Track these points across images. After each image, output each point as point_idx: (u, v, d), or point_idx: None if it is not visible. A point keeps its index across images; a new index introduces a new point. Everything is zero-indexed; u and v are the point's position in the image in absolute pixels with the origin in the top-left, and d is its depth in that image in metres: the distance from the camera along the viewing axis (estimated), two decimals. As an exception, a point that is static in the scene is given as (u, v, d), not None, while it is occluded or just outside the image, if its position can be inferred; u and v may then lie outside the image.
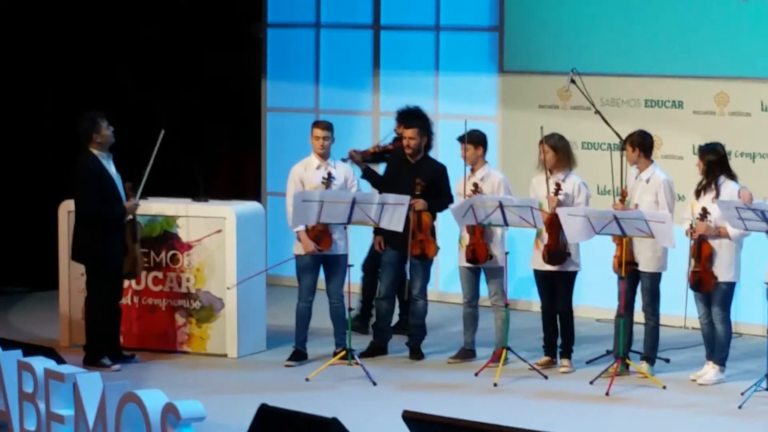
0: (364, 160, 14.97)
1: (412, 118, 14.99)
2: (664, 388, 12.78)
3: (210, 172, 14.82)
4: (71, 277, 14.44)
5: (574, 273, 13.55)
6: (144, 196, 13.89)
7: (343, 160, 14.74)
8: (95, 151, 13.48)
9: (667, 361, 13.61)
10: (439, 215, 14.20)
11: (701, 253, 12.69)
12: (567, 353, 13.64)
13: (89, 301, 13.69)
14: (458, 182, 13.97)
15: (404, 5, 17.49)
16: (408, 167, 14.12)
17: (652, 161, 13.35)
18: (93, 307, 13.62)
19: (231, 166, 15.47)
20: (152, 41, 18.43)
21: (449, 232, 14.64)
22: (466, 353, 13.94)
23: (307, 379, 13.14)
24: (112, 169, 13.65)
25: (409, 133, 14.15)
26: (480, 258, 13.62)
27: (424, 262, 14.11)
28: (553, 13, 16.46)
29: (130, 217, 13.67)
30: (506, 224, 13.19)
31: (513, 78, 16.62)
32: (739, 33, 15.57)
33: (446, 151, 14.96)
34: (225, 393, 12.37)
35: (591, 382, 12.89)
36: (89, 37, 18.63)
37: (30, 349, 11.52)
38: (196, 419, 9.42)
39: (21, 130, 17.69)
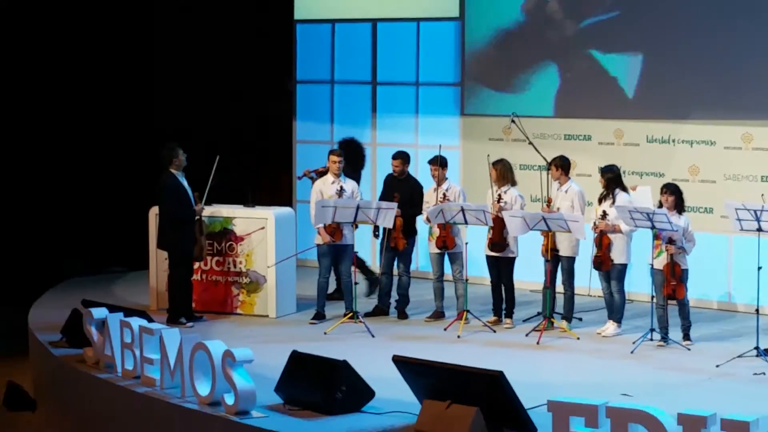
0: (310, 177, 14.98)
1: (349, 147, 15.21)
2: (578, 339, 13.07)
3: (256, 186, 14.90)
4: (158, 260, 14.52)
5: (513, 258, 13.71)
6: (208, 202, 14.00)
7: (299, 178, 14.94)
8: (174, 171, 13.64)
9: (580, 320, 13.84)
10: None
11: (602, 243, 12.94)
12: (509, 314, 13.86)
13: (170, 277, 13.80)
14: (427, 193, 14.13)
15: (394, 67, 17.49)
16: (396, 183, 14.28)
17: (569, 178, 13.60)
18: (173, 281, 13.75)
19: (271, 182, 15.37)
20: (222, 93, 18.35)
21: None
22: (438, 314, 14.11)
23: (325, 333, 13.37)
24: (185, 183, 13.76)
25: (394, 162, 14.30)
26: (449, 245, 13.79)
27: (397, 252, 14.26)
28: (498, 73, 16.45)
29: (198, 216, 13.82)
30: (466, 223, 13.33)
31: (471, 119, 16.72)
32: (630, 84, 15.59)
33: (424, 171, 14.85)
34: (267, 342, 12.47)
35: (526, 335, 13.17)
36: (173, 87, 18.59)
37: (129, 312, 11.92)
38: (246, 361, 9.94)
39: (119, 154, 17.70)
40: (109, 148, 18.37)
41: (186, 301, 14.05)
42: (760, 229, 12.01)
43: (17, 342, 14.36)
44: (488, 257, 13.84)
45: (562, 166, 13.67)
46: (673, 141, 15.42)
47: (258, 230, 14.27)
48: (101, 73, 18.94)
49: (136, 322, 11.39)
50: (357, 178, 15.17)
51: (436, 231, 13.89)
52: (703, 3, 15.18)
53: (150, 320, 11.77)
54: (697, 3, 15.22)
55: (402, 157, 14.60)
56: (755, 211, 11.97)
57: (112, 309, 12.08)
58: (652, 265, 12.85)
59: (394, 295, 14.63)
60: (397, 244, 14.18)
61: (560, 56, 16.23)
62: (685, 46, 15.29)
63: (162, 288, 14.62)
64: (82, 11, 18.96)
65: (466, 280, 13.98)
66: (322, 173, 14.83)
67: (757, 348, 12.03)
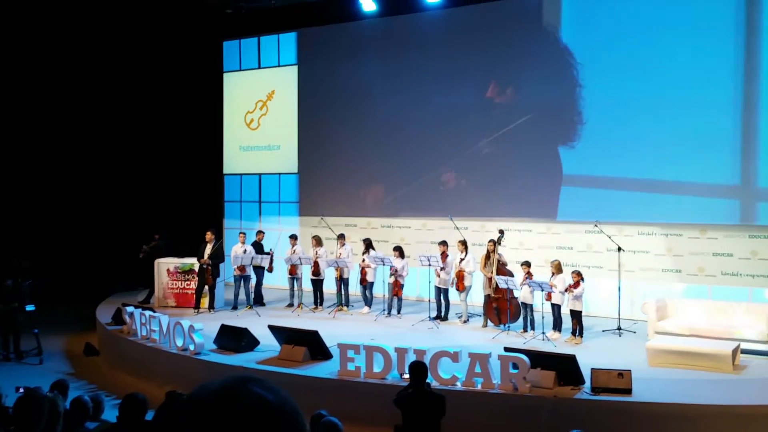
0: (145, 252, 14.24)
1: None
2: (352, 315, 12.73)
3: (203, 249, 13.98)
4: (158, 283, 14.19)
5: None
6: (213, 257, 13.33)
7: (140, 257, 14.11)
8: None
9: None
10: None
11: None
12: (321, 303, 13.51)
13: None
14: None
15: (270, 191, 17.26)
16: (260, 244, 14.05)
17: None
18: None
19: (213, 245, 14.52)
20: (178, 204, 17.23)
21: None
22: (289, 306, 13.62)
23: (237, 315, 13.16)
24: (209, 248, 13.21)
25: (259, 235, 14.09)
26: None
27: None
28: (320, 199, 16.14)
29: (204, 265, 13.28)
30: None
31: (305, 218, 16.46)
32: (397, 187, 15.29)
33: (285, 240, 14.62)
34: (209, 320, 12.11)
35: (329, 314, 12.82)
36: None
37: (144, 308, 11.79)
38: (200, 329, 10.10)
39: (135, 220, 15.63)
40: (133, 213, 16.97)
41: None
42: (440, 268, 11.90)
43: (90, 322, 13.90)
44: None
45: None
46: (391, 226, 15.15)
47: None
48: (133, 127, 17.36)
49: (147, 312, 11.46)
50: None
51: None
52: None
53: (153, 311, 11.70)
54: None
55: (262, 232, 14.57)
56: (428, 257, 12.08)
57: (136, 307, 12.07)
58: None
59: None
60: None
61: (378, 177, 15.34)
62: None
63: (161, 296, 14.19)
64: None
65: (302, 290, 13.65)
66: (152, 246, 14.21)
67: (430, 317, 12.20)
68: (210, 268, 13.46)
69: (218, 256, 13.64)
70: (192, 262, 13.94)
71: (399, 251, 12.94)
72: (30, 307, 12.26)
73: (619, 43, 12.37)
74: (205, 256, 13.48)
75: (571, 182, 13.13)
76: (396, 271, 12.62)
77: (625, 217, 12.57)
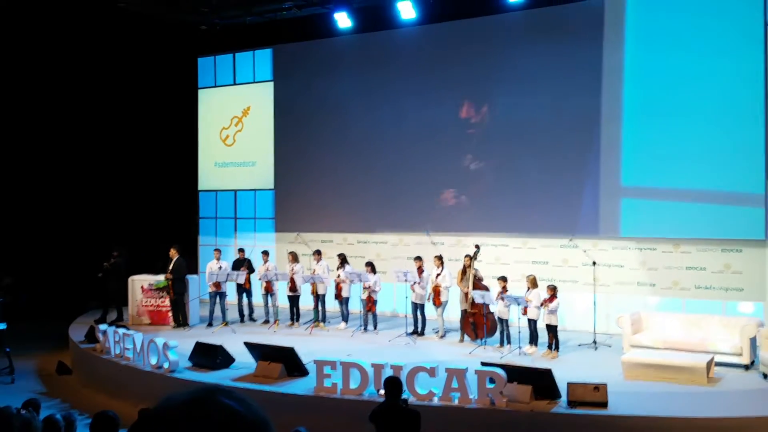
0: (106, 270, 13.98)
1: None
2: (327, 330, 12.65)
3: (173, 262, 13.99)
4: (132, 301, 14.05)
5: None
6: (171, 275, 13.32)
7: (100, 275, 13.85)
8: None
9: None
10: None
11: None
12: (296, 319, 13.40)
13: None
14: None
15: (246, 207, 17.01)
16: (240, 261, 13.83)
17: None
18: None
19: (188, 261, 14.60)
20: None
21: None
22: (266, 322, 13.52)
23: (213, 332, 13.03)
24: (171, 265, 13.31)
25: (240, 253, 13.98)
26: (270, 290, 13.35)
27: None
28: (296, 215, 16.03)
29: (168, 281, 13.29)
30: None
31: (281, 234, 16.27)
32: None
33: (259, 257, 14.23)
34: (185, 338, 11.98)
35: (305, 329, 12.77)
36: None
37: (117, 326, 11.76)
38: (175, 347, 9.99)
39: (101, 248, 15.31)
40: (104, 241, 16.17)
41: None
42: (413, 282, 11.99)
43: (63, 340, 13.75)
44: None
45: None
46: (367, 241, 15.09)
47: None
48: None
49: (121, 330, 11.33)
50: None
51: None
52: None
53: (127, 329, 11.60)
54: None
55: (243, 249, 14.43)
56: (405, 273, 12.18)
57: (110, 325, 11.98)
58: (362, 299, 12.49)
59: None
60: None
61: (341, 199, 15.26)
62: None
63: (135, 314, 14.07)
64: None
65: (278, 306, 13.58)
66: (112, 264, 14.09)
67: (406, 333, 12.18)
68: (171, 282, 13.42)
69: (179, 270, 13.59)
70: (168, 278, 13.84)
71: (371, 266, 12.82)
72: (1, 326, 12.06)
73: (618, 50, 12.27)
74: (168, 272, 13.42)
75: (552, 197, 13.14)
76: (369, 286, 12.46)
77: (613, 232, 12.61)
